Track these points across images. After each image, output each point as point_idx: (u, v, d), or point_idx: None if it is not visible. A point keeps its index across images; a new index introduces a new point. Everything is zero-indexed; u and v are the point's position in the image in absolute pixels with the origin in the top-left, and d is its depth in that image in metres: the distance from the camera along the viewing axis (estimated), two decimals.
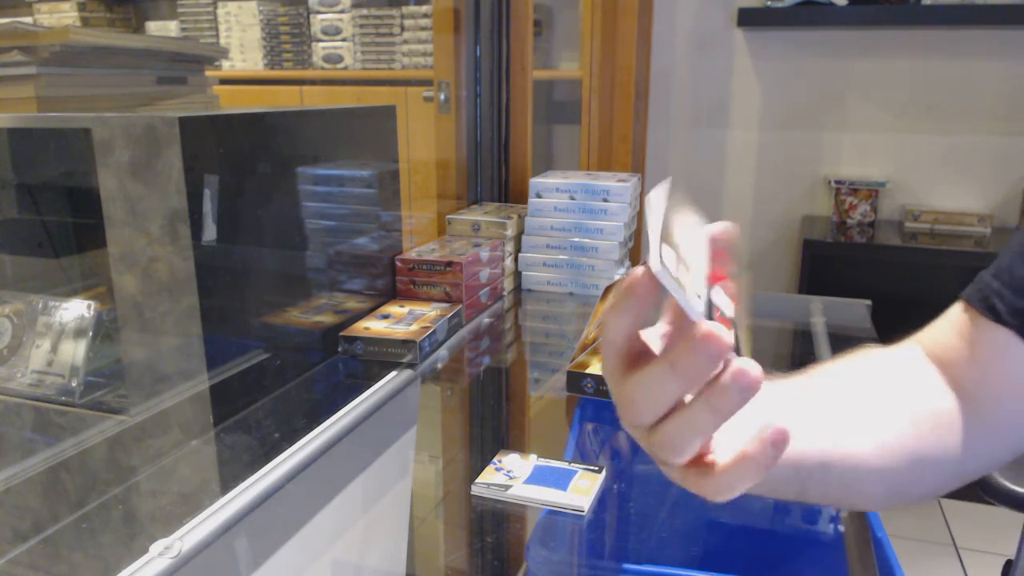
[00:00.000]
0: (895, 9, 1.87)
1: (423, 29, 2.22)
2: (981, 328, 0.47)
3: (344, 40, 2.33)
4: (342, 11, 2.33)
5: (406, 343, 0.91)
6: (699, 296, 0.30)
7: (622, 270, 1.27)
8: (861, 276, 1.73)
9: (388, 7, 2.29)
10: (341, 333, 0.93)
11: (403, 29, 2.27)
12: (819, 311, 1.20)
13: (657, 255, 0.29)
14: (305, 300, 0.90)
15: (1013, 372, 0.46)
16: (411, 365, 0.91)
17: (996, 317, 0.46)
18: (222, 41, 2.42)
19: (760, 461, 0.31)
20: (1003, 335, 0.46)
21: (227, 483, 0.64)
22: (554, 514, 0.65)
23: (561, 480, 0.68)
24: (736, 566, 0.57)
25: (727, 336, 0.29)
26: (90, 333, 0.80)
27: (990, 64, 1.89)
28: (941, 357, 0.49)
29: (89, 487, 0.73)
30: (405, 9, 2.26)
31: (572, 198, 1.27)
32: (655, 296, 0.31)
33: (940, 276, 2.00)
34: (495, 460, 0.72)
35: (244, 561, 0.59)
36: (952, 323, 0.49)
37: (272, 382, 0.84)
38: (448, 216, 1.29)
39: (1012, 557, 0.49)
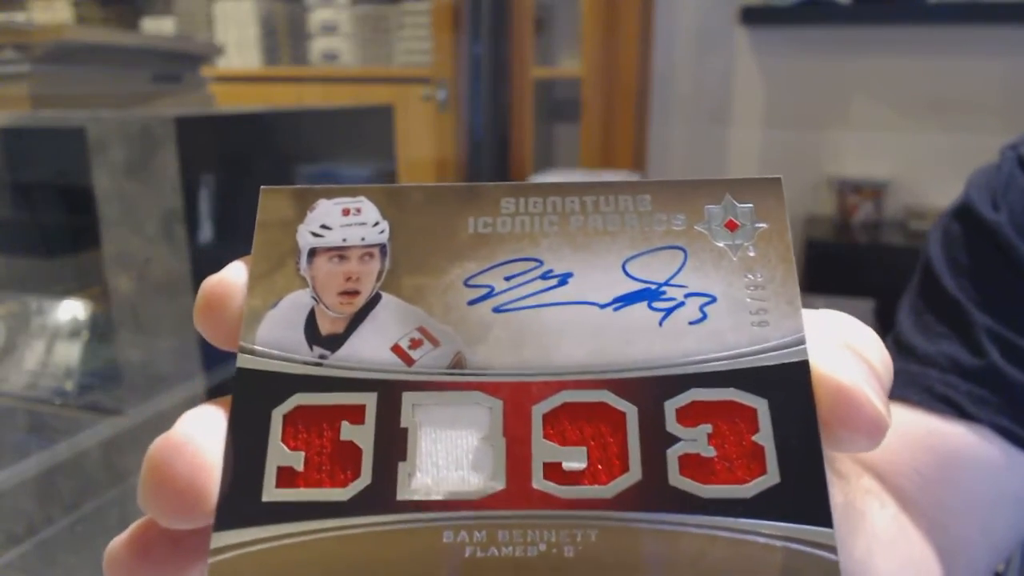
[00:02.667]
0: (899, 7, 1.86)
1: (422, 26, 2.21)
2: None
3: (342, 36, 2.32)
4: (340, 8, 2.32)
5: None
6: None
7: None
8: (865, 276, 1.72)
9: (387, 3, 2.27)
10: None
11: (402, 26, 2.26)
12: None
13: None
14: None
15: None
16: None
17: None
18: (219, 38, 2.41)
19: None
20: None
21: None
22: None
23: None
24: None
25: None
26: (85, 334, 0.79)
27: (996, 62, 1.88)
28: None
29: (84, 489, 0.72)
30: (404, 6, 2.25)
31: None
32: None
33: None
34: None
35: None
36: None
37: None
38: None
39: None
